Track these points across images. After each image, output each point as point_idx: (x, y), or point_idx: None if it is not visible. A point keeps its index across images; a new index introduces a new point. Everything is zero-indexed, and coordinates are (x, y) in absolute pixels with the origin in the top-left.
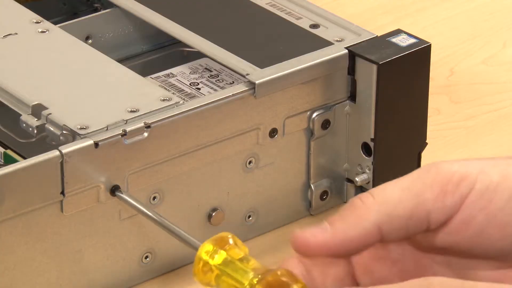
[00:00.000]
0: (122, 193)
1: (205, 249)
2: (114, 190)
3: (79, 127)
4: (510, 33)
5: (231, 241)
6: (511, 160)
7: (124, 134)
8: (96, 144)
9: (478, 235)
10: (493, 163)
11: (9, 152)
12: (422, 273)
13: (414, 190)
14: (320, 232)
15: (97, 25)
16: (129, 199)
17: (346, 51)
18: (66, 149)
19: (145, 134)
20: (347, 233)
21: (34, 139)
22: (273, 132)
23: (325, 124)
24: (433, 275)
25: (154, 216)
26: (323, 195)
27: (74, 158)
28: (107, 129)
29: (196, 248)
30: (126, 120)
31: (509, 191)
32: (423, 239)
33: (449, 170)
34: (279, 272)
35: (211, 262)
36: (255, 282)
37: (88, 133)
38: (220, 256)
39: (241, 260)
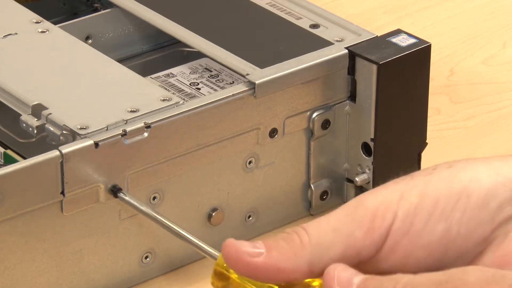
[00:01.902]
0: (125, 195)
1: (222, 261)
2: (115, 191)
3: (79, 127)
4: (510, 33)
5: None
6: (430, 175)
7: (124, 134)
8: (96, 144)
9: (405, 258)
10: (412, 184)
11: (9, 152)
12: None
13: (345, 231)
14: (254, 254)
15: (97, 25)
16: (133, 202)
17: (346, 51)
18: (66, 149)
19: (145, 134)
20: (280, 264)
21: (34, 139)
22: (273, 132)
23: (325, 124)
24: None
25: (160, 218)
26: (323, 195)
27: (74, 158)
28: (107, 129)
29: (210, 255)
30: (126, 120)
31: (427, 210)
32: (355, 267)
33: (374, 203)
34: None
35: (230, 274)
36: None
37: (88, 133)
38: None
39: None
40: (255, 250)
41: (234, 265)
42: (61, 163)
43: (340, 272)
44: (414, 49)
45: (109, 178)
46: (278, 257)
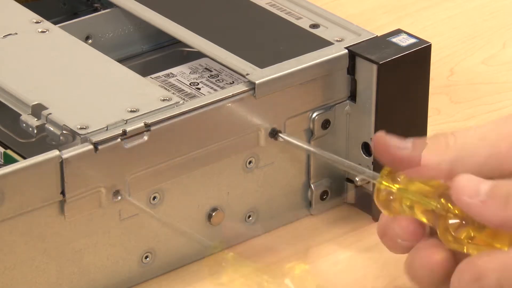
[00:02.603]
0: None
1: (384, 176)
2: (116, 193)
3: (79, 127)
4: (510, 33)
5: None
6: None
7: (124, 134)
8: (95, 148)
9: None
10: None
11: (9, 152)
12: None
13: (490, 141)
14: (402, 147)
15: (97, 25)
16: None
17: (346, 51)
18: (66, 154)
19: (145, 138)
20: (424, 159)
21: (34, 139)
22: (273, 132)
23: (325, 124)
24: None
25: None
26: (323, 195)
27: (74, 162)
28: (107, 129)
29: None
30: (126, 120)
31: None
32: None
33: None
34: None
35: (392, 186)
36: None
37: (88, 133)
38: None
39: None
40: (402, 143)
41: (382, 156)
42: (61, 163)
43: (466, 182)
44: (414, 49)
45: (109, 181)
46: (423, 152)
